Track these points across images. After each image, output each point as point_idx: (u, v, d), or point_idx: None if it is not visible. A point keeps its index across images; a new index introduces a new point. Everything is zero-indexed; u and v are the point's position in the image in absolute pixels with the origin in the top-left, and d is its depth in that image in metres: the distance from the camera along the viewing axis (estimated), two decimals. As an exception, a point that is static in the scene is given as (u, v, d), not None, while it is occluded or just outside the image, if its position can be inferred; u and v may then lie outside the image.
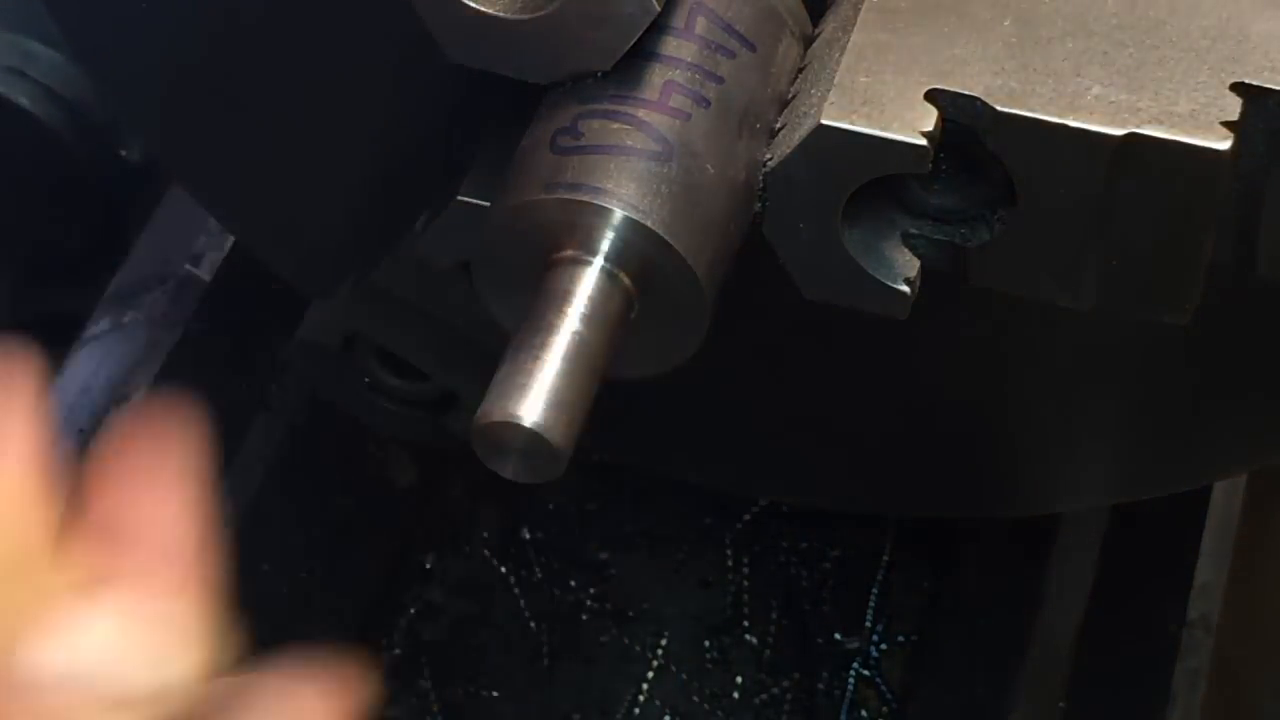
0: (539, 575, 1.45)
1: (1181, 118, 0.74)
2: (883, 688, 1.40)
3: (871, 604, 1.42)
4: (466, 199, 0.88)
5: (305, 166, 0.84)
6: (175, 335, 1.25)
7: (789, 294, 0.83)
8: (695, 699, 1.40)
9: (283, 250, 0.96)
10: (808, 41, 0.84)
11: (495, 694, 1.40)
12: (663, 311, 0.80)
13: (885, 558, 1.44)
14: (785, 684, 1.41)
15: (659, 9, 0.77)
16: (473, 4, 0.78)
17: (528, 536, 1.46)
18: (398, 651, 1.41)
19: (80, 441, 1.20)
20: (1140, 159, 0.75)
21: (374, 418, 0.99)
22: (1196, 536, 1.21)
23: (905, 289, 0.80)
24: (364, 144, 0.84)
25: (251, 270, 1.18)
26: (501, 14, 0.78)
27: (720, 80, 0.80)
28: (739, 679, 1.41)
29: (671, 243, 0.77)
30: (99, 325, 1.26)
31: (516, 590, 1.44)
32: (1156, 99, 0.75)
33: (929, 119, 0.76)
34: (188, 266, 1.27)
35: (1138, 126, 0.74)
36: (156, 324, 1.25)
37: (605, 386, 0.77)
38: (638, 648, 1.42)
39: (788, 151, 0.78)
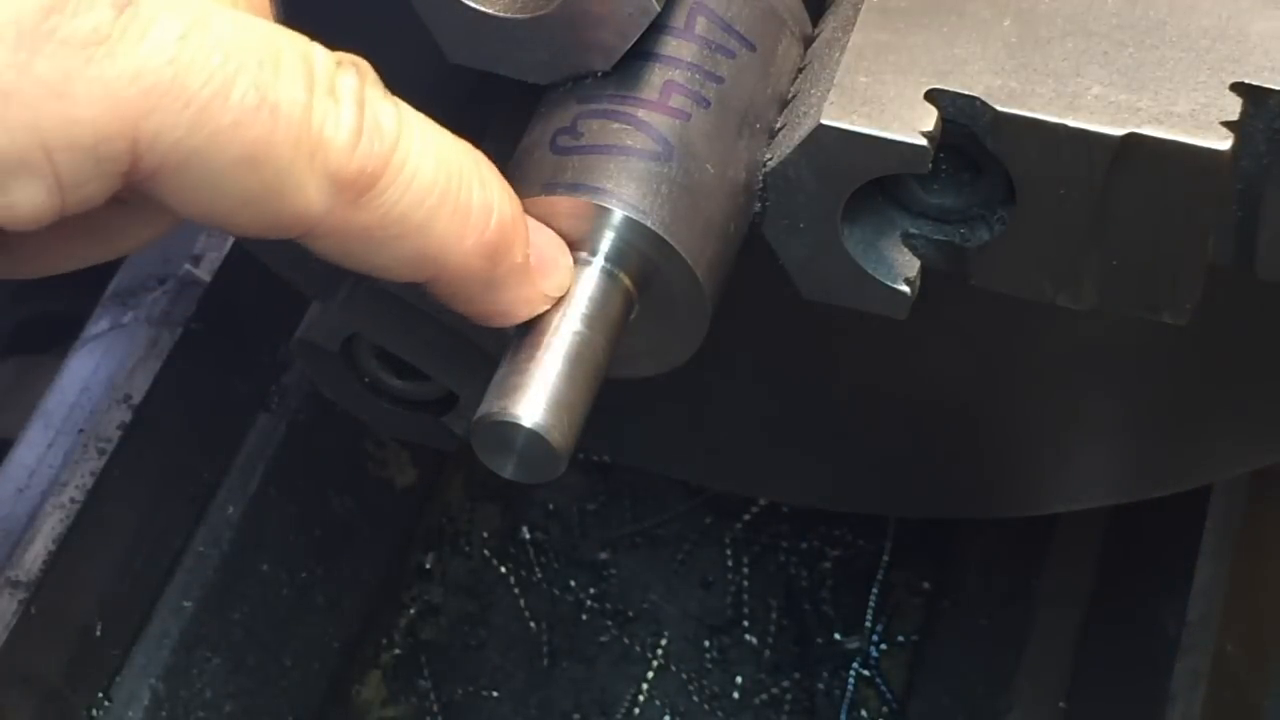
0: (539, 575, 1.45)
1: (1181, 118, 0.74)
2: (883, 688, 1.40)
3: (871, 604, 1.42)
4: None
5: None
6: (175, 335, 1.25)
7: (789, 294, 0.83)
8: (695, 699, 1.40)
9: (283, 250, 0.96)
10: (808, 41, 0.84)
11: (495, 694, 1.40)
12: (663, 312, 0.80)
13: (885, 558, 1.44)
14: (785, 684, 1.41)
15: (659, 9, 0.77)
16: (473, 4, 0.78)
17: (528, 536, 1.46)
18: (398, 651, 1.41)
19: (80, 441, 1.20)
20: (1140, 159, 0.75)
21: (374, 418, 0.99)
22: (1196, 536, 1.21)
23: (905, 289, 0.80)
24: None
25: (251, 270, 1.19)
26: (501, 14, 0.78)
27: (720, 80, 0.80)
28: (739, 679, 1.41)
29: (671, 243, 0.77)
30: (99, 325, 1.26)
31: (516, 590, 1.44)
32: (1156, 99, 0.75)
33: (929, 119, 0.76)
34: (188, 266, 1.27)
35: (1138, 126, 0.74)
36: (156, 324, 1.25)
37: (606, 386, 0.77)
38: (638, 648, 1.42)
39: (788, 151, 0.78)
